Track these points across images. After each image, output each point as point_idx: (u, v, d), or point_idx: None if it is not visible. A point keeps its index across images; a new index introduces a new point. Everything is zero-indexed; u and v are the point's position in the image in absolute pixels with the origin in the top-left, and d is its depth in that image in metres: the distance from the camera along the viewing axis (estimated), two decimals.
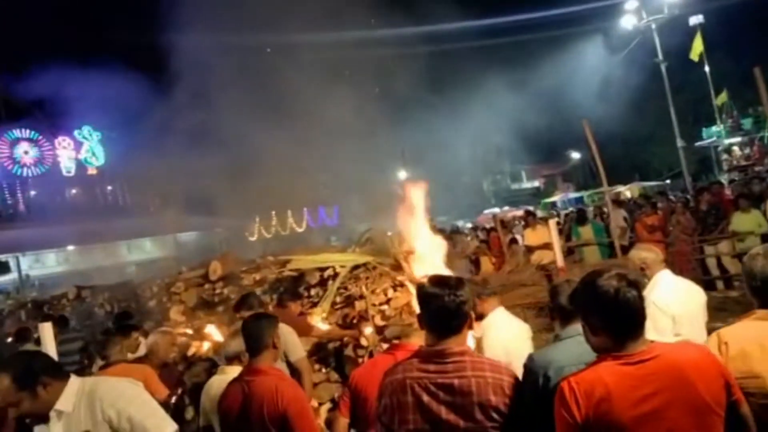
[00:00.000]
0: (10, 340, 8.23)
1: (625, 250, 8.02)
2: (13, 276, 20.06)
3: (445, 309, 2.06)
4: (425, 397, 2.03)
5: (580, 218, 11.94)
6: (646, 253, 3.79)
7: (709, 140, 29.38)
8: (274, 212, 28.79)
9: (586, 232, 11.17)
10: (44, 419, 2.47)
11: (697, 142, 29.59)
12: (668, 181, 29.34)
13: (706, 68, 27.00)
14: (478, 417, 1.96)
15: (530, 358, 2.54)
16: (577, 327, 2.12)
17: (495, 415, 1.96)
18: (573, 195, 34.70)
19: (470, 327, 2.14)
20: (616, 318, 1.83)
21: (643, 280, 1.95)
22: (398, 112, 20.52)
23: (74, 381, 2.52)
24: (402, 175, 34.75)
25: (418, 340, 3.02)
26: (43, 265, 21.07)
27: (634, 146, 36.42)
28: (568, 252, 9.89)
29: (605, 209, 12.57)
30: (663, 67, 25.58)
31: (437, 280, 2.18)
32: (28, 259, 20.61)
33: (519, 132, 42.01)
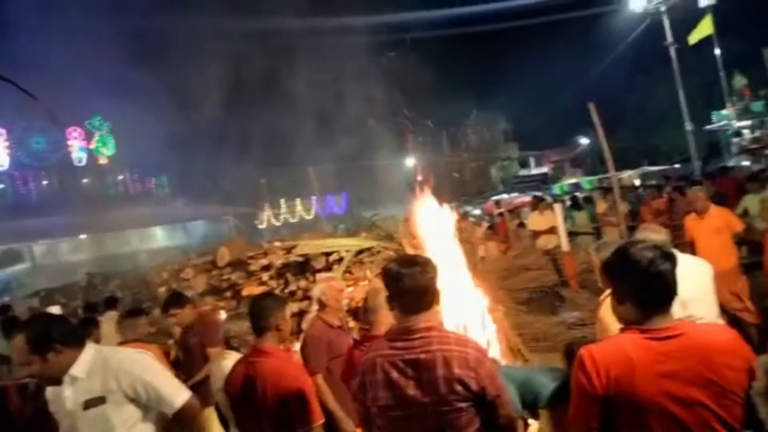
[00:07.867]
0: None
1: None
2: (26, 265, 20.33)
3: (409, 287, 2.06)
4: (394, 374, 2.05)
5: (575, 204, 12.43)
6: (654, 234, 3.35)
7: (719, 124, 28.97)
8: (282, 200, 29.01)
9: (581, 217, 11.39)
10: (56, 382, 2.51)
11: (707, 126, 29.20)
12: (677, 166, 28.95)
13: (717, 51, 26.54)
14: (441, 391, 1.97)
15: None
16: None
17: (459, 388, 1.96)
18: (571, 181, 34.25)
19: (437, 303, 2.13)
20: (645, 289, 1.78)
21: (675, 255, 1.84)
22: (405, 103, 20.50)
23: (89, 348, 2.55)
24: (411, 162, 34.78)
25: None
26: (56, 254, 21.18)
27: (644, 131, 36.07)
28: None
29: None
30: (673, 51, 25.23)
31: (401, 260, 2.19)
32: (41, 248, 20.80)
33: (527, 118, 41.90)
